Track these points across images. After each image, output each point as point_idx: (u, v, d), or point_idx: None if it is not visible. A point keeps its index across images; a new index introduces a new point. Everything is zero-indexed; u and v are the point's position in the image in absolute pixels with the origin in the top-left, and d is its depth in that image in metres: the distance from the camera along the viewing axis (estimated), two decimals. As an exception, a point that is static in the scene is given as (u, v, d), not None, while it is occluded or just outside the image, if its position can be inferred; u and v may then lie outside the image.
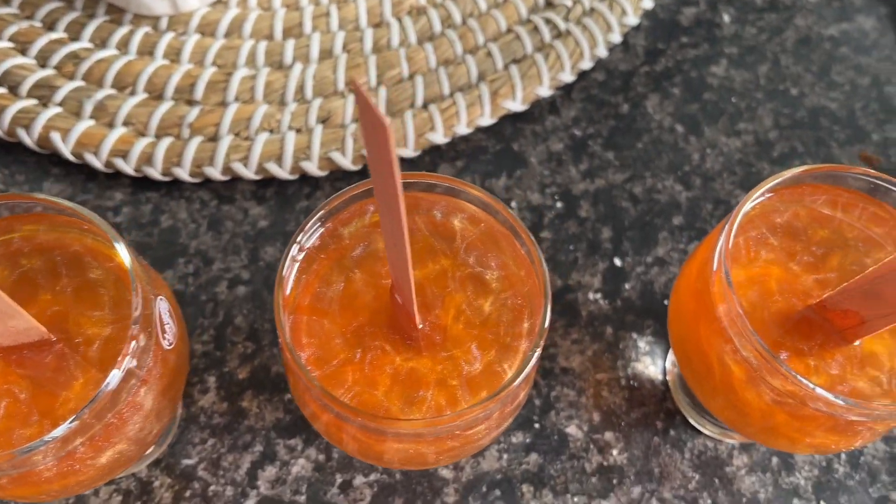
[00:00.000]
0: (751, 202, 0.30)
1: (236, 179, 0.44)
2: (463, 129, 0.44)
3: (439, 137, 0.44)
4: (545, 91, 0.46)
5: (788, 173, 0.30)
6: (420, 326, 0.29)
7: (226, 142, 0.42)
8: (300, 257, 0.29)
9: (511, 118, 0.47)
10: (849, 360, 0.29)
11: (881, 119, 0.48)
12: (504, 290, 0.30)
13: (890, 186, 0.31)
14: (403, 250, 0.23)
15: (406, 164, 0.46)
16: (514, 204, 0.44)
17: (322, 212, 0.29)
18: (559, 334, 0.41)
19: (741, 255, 0.31)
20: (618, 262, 0.43)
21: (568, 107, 0.48)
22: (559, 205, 0.44)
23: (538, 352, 0.28)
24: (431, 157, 0.46)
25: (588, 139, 0.47)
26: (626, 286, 0.42)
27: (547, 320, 0.28)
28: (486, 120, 0.45)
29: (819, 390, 0.27)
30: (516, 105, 0.45)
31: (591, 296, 0.42)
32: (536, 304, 0.30)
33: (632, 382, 0.40)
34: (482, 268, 0.31)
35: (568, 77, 0.46)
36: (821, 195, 0.32)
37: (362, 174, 0.45)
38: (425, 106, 0.44)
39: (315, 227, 0.29)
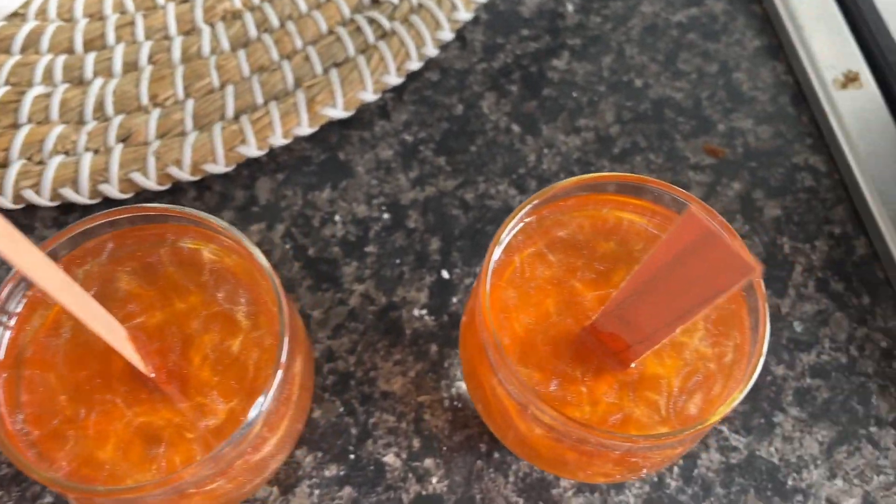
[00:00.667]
0: (507, 232, 0.27)
1: (35, 206, 0.40)
2: (279, 139, 0.41)
3: (252, 150, 0.41)
4: (370, 95, 0.43)
5: (536, 198, 0.27)
6: (153, 375, 0.26)
7: (15, 167, 0.39)
8: (11, 323, 0.26)
9: (338, 125, 0.44)
10: (625, 385, 0.27)
11: (728, 108, 0.46)
12: (256, 329, 0.28)
13: (671, 194, 0.28)
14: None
15: (220, 179, 0.43)
16: (338, 217, 0.42)
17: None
18: (381, 356, 0.38)
19: (516, 276, 0.29)
20: (445, 274, 0.40)
21: (399, 110, 0.45)
22: (386, 216, 0.42)
23: (270, 395, 0.25)
24: (250, 170, 0.43)
25: (419, 144, 0.44)
26: (454, 300, 0.39)
27: (283, 356, 0.25)
28: (305, 129, 0.42)
29: (570, 425, 0.24)
30: (338, 111, 0.42)
31: (416, 312, 0.39)
32: (292, 343, 0.27)
33: (455, 403, 0.37)
34: (232, 304, 0.28)
35: (394, 79, 0.43)
36: (607, 203, 0.30)
37: (172, 194, 0.42)
38: (237, 117, 0.41)
39: (19, 290, 0.26)
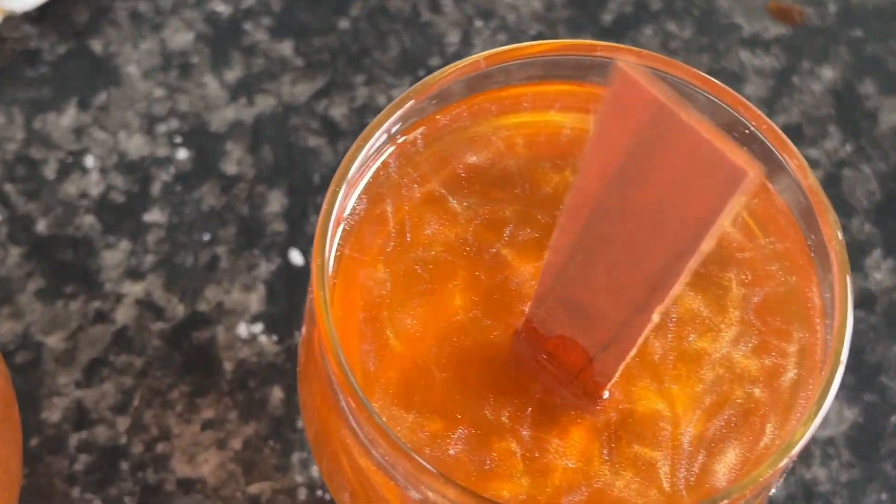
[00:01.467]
0: (363, 162, 0.27)
1: None
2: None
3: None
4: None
5: (414, 94, 0.27)
6: None
7: None
8: None
9: (89, -10, 0.43)
10: (596, 435, 0.27)
11: (809, -66, 0.46)
12: None
13: (671, 75, 0.28)
14: None
15: None
16: (91, 161, 0.41)
17: None
18: (177, 413, 0.38)
19: (390, 243, 0.28)
20: (297, 257, 0.40)
21: (203, -42, 0.44)
22: (183, 154, 0.41)
23: None
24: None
25: (244, 18, 0.44)
26: (313, 304, 0.39)
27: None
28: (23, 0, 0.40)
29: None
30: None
31: (243, 329, 0.39)
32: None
33: (320, 494, 0.37)
34: None
35: None
36: (557, 99, 0.30)
37: None
38: None
39: None
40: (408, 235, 0.29)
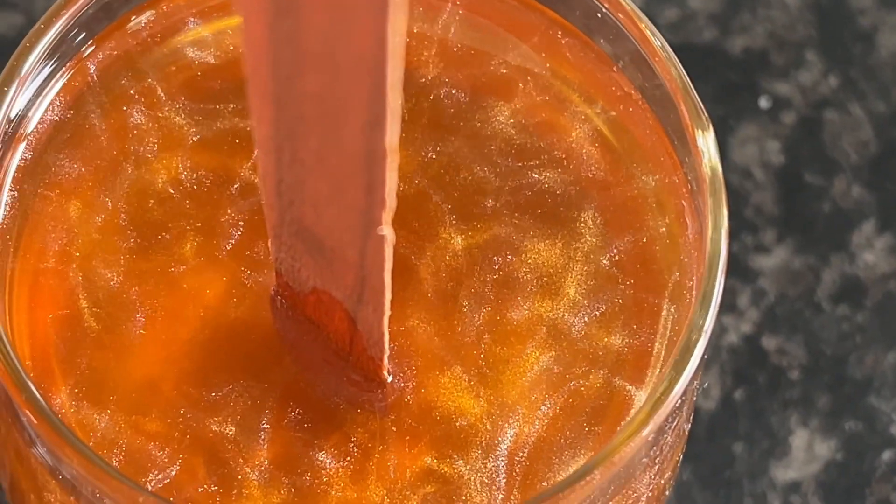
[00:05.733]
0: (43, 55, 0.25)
1: None
2: None
3: None
4: None
5: None
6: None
7: None
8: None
9: None
10: (375, 439, 0.25)
11: None
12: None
13: None
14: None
15: None
16: None
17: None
18: None
19: (85, 168, 0.26)
20: None
21: None
22: None
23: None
24: None
25: None
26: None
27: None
28: None
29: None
30: None
31: None
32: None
33: None
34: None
35: None
36: None
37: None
38: None
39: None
40: (118, 160, 0.26)
